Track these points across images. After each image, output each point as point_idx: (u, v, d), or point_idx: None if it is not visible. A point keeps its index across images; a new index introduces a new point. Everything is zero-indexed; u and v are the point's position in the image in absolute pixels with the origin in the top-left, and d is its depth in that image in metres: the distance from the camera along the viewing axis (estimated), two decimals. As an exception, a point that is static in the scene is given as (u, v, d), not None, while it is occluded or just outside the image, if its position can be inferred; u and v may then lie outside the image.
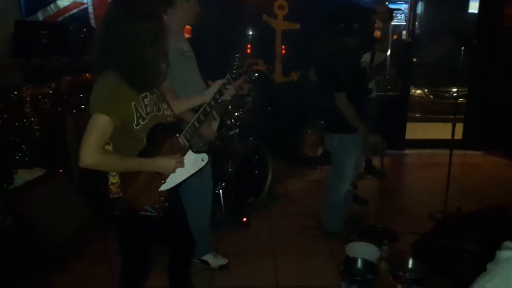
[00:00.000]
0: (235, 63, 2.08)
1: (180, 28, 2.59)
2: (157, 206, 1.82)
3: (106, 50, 1.66)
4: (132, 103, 1.70)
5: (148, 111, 1.78)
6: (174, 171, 1.83)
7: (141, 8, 1.65)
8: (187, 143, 1.92)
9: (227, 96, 2.06)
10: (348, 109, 2.87)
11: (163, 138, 1.84)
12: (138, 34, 1.63)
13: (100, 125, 1.64)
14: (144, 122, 1.75)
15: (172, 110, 1.93)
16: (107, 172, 1.73)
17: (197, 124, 1.97)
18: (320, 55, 3.16)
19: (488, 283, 0.77)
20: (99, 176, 1.73)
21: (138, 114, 1.72)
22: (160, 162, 1.78)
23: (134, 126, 1.72)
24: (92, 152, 1.62)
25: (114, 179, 1.73)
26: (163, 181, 1.84)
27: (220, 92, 2.03)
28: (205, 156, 1.95)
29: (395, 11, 3.10)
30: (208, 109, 2.02)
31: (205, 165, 1.96)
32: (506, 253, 0.80)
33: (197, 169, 1.93)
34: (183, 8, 2.46)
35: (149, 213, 1.80)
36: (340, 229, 3.25)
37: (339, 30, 2.85)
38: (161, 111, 1.87)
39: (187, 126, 1.94)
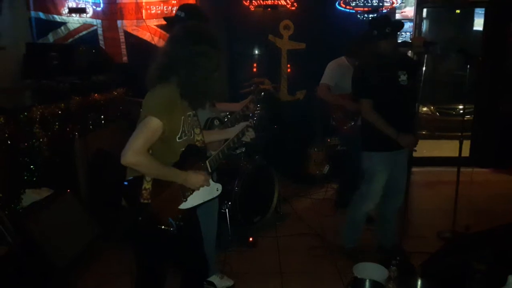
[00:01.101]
0: (257, 110, 2.34)
1: None
2: (176, 222, 1.88)
3: (172, 65, 1.79)
4: (182, 117, 1.85)
5: (189, 129, 1.92)
6: (199, 189, 1.92)
7: (211, 39, 1.84)
8: (210, 170, 2.02)
9: (247, 138, 2.17)
10: (372, 116, 2.88)
11: (193, 159, 1.95)
12: (205, 59, 1.79)
13: (151, 127, 1.74)
14: (185, 138, 1.88)
15: (203, 136, 2.03)
16: (143, 177, 1.79)
17: (221, 155, 2.08)
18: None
19: None
20: (135, 179, 1.80)
21: (183, 129, 1.86)
22: (192, 177, 1.88)
23: (177, 139, 1.84)
24: (137, 151, 1.71)
25: (147, 185, 1.80)
26: (184, 199, 1.91)
27: (242, 133, 2.16)
28: (219, 187, 2.05)
29: (431, 45, 3.10)
30: (231, 145, 2.14)
31: (213, 199, 2.06)
32: None
33: (211, 197, 2.03)
34: None
35: (168, 227, 1.85)
36: (353, 246, 3.20)
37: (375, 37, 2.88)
38: (192, 136, 1.97)
39: (212, 155, 2.05)
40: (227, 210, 3.49)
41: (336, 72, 3.84)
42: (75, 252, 3.03)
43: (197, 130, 2.00)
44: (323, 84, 3.94)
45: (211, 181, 1.99)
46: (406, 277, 2.59)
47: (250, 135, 2.16)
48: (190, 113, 1.93)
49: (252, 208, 3.70)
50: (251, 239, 3.51)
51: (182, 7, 2.63)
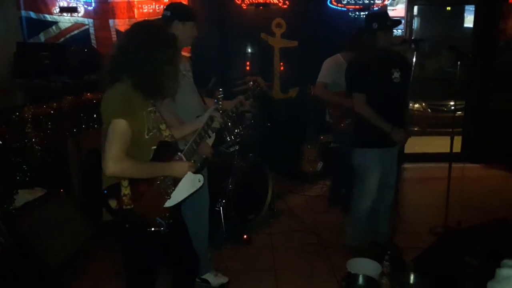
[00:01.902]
0: (220, 96, 2.26)
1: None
2: (165, 221, 1.87)
3: (122, 61, 1.79)
4: (143, 112, 1.81)
5: (154, 125, 1.88)
6: (184, 175, 1.92)
7: (161, 31, 1.85)
8: None
9: (217, 124, 2.19)
10: (365, 109, 2.89)
11: (167, 154, 1.93)
12: (155, 51, 1.77)
13: (119, 130, 1.71)
14: (151, 134, 1.84)
15: (170, 131, 2.00)
16: (119, 183, 1.77)
17: (194, 146, 2.08)
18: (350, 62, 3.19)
19: None
20: (111, 187, 1.77)
21: (148, 124, 1.82)
22: (177, 165, 1.90)
23: (145, 135, 1.80)
24: (117, 160, 1.68)
25: (126, 190, 1.77)
26: (167, 197, 1.90)
27: (211, 119, 2.16)
28: (201, 177, 2.04)
29: (417, 42, 3.14)
30: (203, 133, 2.13)
31: (201, 186, 2.04)
32: (505, 272, 0.81)
33: (194, 189, 2.02)
34: (178, 29, 2.50)
35: (157, 228, 1.84)
36: (358, 244, 3.21)
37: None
38: (160, 132, 1.94)
39: (186, 147, 2.04)
40: (221, 208, 3.50)
41: (332, 70, 3.85)
42: (69, 253, 3.02)
43: (163, 126, 1.96)
44: (319, 82, 3.95)
45: (191, 174, 1.98)
46: (399, 272, 2.62)
47: (218, 120, 2.17)
48: (151, 109, 1.87)
49: (246, 205, 3.71)
50: (245, 236, 3.52)
51: (168, 6, 2.61)
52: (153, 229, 1.84)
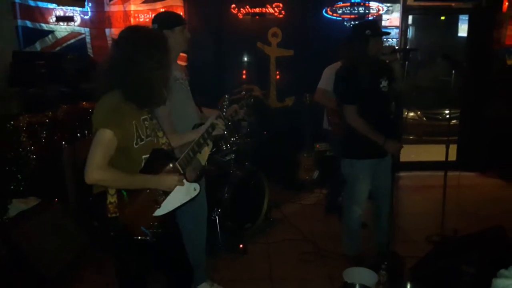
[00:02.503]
0: (225, 103, 2.27)
1: (174, 57, 2.64)
2: (151, 230, 1.84)
3: (112, 70, 1.77)
4: (133, 122, 1.80)
5: (148, 133, 1.87)
6: (173, 189, 1.89)
7: (149, 38, 1.82)
8: (182, 171, 1.98)
9: (220, 130, 2.16)
10: (357, 122, 2.88)
11: (161, 163, 1.90)
12: (144, 58, 1.76)
13: (104, 140, 1.71)
14: (142, 143, 1.83)
15: (167, 139, 1.99)
16: (106, 191, 1.76)
17: (191, 154, 2.05)
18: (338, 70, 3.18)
19: None
20: (98, 195, 1.77)
21: (138, 134, 1.81)
22: (163, 179, 1.86)
23: (134, 145, 1.79)
24: (98, 167, 1.69)
25: (112, 198, 1.76)
26: (158, 206, 1.87)
27: (213, 126, 2.14)
28: (197, 186, 2.03)
29: (409, 52, 3.10)
30: (202, 141, 2.10)
31: (197, 195, 2.03)
32: (501, 282, 0.81)
33: (189, 198, 2.00)
34: (170, 38, 2.51)
35: (144, 237, 1.82)
36: (355, 253, 3.21)
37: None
38: (157, 139, 1.93)
39: (182, 155, 2.01)
40: (217, 217, 3.48)
41: (332, 77, 3.87)
42: (65, 262, 2.99)
43: (160, 134, 1.96)
44: (320, 89, 3.97)
45: (186, 182, 1.96)
46: (396, 282, 2.61)
47: (220, 127, 2.14)
48: (146, 116, 1.88)
49: (242, 214, 3.70)
50: (241, 245, 3.50)
51: (154, 19, 2.60)
52: (139, 237, 1.81)
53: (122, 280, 1.97)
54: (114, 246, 1.89)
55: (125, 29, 1.88)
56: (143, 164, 1.83)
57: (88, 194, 1.82)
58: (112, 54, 1.82)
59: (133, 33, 1.85)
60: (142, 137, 1.83)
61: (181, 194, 1.95)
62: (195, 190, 2.01)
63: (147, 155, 1.85)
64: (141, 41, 1.79)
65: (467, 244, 2.81)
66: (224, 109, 2.24)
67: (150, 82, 1.78)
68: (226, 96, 2.28)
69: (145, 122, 1.86)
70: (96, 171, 1.68)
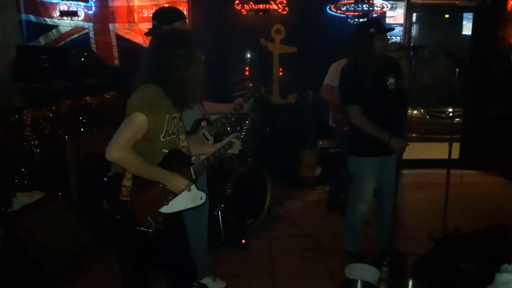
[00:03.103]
0: (247, 122, 2.23)
1: None
2: (156, 224, 1.86)
3: (153, 69, 1.84)
4: (167, 116, 1.86)
5: (174, 131, 1.92)
6: (181, 192, 1.93)
7: (174, 39, 1.90)
8: (194, 177, 2.02)
9: (235, 150, 2.20)
10: (362, 121, 2.88)
11: (176, 164, 1.94)
12: (174, 59, 1.83)
13: (136, 123, 1.75)
14: (169, 138, 1.88)
15: (188, 143, 2.04)
16: (123, 174, 1.79)
17: (206, 164, 2.10)
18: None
19: None
20: (115, 176, 1.81)
21: (167, 128, 1.87)
22: (175, 178, 1.89)
23: (161, 138, 1.85)
24: (122, 146, 1.72)
25: (127, 182, 1.80)
26: (166, 203, 1.91)
27: (229, 144, 2.18)
28: (203, 195, 2.07)
29: (417, 49, 3.12)
30: (218, 155, 2.14)
31: (202, 204, 2.07)
32: (504, 276, 0.82)
33: (194, 205, 2.04)
34: None
35: (146, 229, 1.84)
36: (357, 250, 3.21)
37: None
38: (178, 141, 1.98)
39: (198, 162, 2.07)
40: (219, 212, 3.49)
41: (338, 73, 3.86)
42: (68, 256, 3.01)
43: (182, 137, 2.01)
44: (325, 85, 3.96)
45: (195, 189, 2.00)
46: (397, 278, 2.62)
47: (236, 147, 2.18)
48: (176, 115, 1.95)
49: (244, 210, 3.71)
50: (243, 241, 3.52)
51: (154, 15, 2.61)
52: (142, 228, 1.84)
53: (124, 272, 1.99)
54: (116, 233, 1.92)
55: (159, 34, 2.05)
56: (161, 158, 1.87)
57: (101, 176, 1.86)
58: (150, 56, 1.89)
59: (166, 38, 1.94)
60: (170, 132, 1.89)
61: (188, 199, 1.98)
62: (201, 199, 2.05)
63: (167, 151, 1.89)
64: (174, 44, 1.86)
65: (469, 242, 2.82)
66: (243, 131, 2.29)
67: (190, 84, 1.87)
68: (247, 121, 2.36)
69: (174, 120, 1.92)
70: (119, 149, 1.71)
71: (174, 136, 1.93)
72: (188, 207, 2.01)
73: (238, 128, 2.29)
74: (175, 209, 1.96)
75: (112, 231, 1.92)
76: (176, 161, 1.94)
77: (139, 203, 1.83)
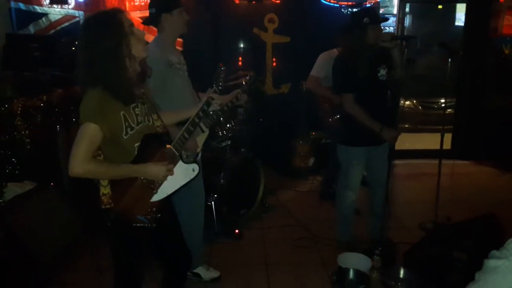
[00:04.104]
0: (221, 75, 2.16)
1: (171, 41, 2.62)
2: (149, 216, 1.83)
3: (87, 68, 1.71)
4: (121, 113, 1.74)
5: (139, 120, 1.82)
6: (164, 179, 1.86)
7: (99, 29, 1.71)
8: (177, 153, 1.95)
9: (215, 106, 2.10)
10: (355, 110, 2.89)
11: (154, 148, 1.87)
12: (100, 52, 1.68)
13: (88, 134, 1.68)
14: (133, 131, 1.78)
15: (162, 121, 1.96)
16: (98, 183, 1.75)
17: (186, 135, 2.01)
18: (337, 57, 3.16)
19: None
20: (90, 187, 1.76)
21: (127, 124, 1.76)
22: (150, 168, 1.80)
23: (123, 136, 1.75)
24: (81, 161, 1.66)
25: (105, 190, 1.75)
26: (154, 191, 1.86)
27: (207, 103, 2.08)
28: (195, 167, 1.98)
29: (410, 39, 3.07)
30: (197, 120, 2.06)
31: (196, 175, 2.00)
32: (493, 262, 0.82)
33: (188, 179, 1.97)
34: (168, 22, 2.49)
35: (141, 224, 1.81)
36: (348, 239, 3.24)
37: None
38: (151, 122, 1.90)
39: (177, 137, 1.98)
40: (213, 202, 3.49)
41: (326, 65, 3.84)
42: (60, 247, 3.00)
43: (155, 116, 1.92)
44: (312, 76, 3.96)
45: (183, 164, 1.93)
46: (389, 267, 2.65)
47: (216, 102, 2.08)
48: (135, 104, 1.81)
49: (238, 200, 3.71)
50: (237, 231, 3.53)
51: (152, 3, 2.55)
52: (138, 224, 1.81)
53: (119, 268, 1.96)
54: (111, 234, 1.89)
55: (83, 24, 1.83)
56: (136, 152, 1.80)
57: (81, 184, 1.79)
58: (80, 53, 1.74)
59: (87, 24, 1.78)
60: (133, 125, 1.78)
61: (179, 176, 1.92)
62: (193, 171, 1.97)
63: (138, 143, 1.80)
64: (104, 31, 1.70)
65: (460, 231, 2.85)
66: (220, 84, 2.13)
67: (119, 76, 1.70)
68: (222, 68, 2.16)
69: (136, 109, 1.81)
70: (79, 164, 1.66)
71: (142, 123, 1.83)
72: (183, 183, 1.94)
73: (214, 81, 2.16)
74: (169, 191, 1.90)
75: (107, 233, 1.88)
76: (152, 146, 1.86)
77: (125, 204, 1.77)
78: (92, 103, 1.70)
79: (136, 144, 1.80)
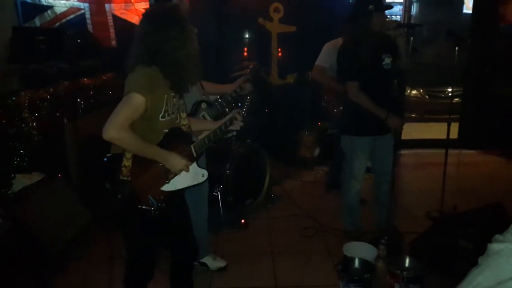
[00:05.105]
0: (247, 103, 2.38)
1: None
2: (157, 202, 1.88)
3: (148, 53, 1.81)
4: (165, 96, 1.85)
5: (174, 110, 1.92)
6: (179, 172, 1.93)
7: (164, 19, 1.83)
8: (195, 155, 2.02)
9: (236, 127, 2.16)
10: (360, 97, 2.87)
11: (177, 142, 1.95)
12: (167, 41, 1.79)
13: (133, 103, 1.75)
14: (168, 118, 1.88)
15: (189, 121, 2.04)
16: (123, 153, 1.80)
17: (207, 141, 2.08)
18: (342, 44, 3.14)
19: (479, 275, 0.80)
20: (115, 156, 1.82)
21: (166, 108, 1.86)
22: (173, 158, 1.89)
23: (160, 118, 1.85)
24: (118, 126, 1.72)
25: (127, 162, 1.81)
26: (167, 181, 1.92)
27: (231, 121, 2.14)
28: (205, 173, 2.08)
29: (414, 27, 3.06)
30: (218, 132, 2.11)
31: (203, 182, 2.08)
32: (496, 246, 0.83)
33: (195, 182, 2.05)
34: None
35: (148, 207, 1.86)
36: (354, 229, 3.24)
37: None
38: (178, 119, 1.98)
39: (198, 140, 2.06)
40: (219, 193, 3.51)
41: (331, 54, 3.80)
42: (68, 237, 3.03)
43: (183, 115, 2.01)
44: (317, 66, 3.94)
45: (196, 167, 2.01)
46: (395, 256, 2.66)
47: (238, 123, 2.15)
48: (176, 94, 1.94)
49: (244, 190, 3.73)
50: (243, 221, 3.55)
51: None
52: (144, 207, 1.85)
53: (130, 253, 2.01)
54: (118, 212, 1.94)
55: (149, 11, 1.97)
56: (161, 137, 1.88)
57: (101, 157, 1.86)
58: (142, 35, 1.83)
59: (163, 13, 1.87)
60: (169, 112, 1.88)
61: (189, 177, 1.99)
62: (203, 176, 2.06)
63: (167, 130, 1.89)
64: (172, 21, 1.82)
65: (466, 221, 2.85)
66: (244, 109, 2.25)
67: (185, 63, 1.83)
68: (249, 98, 2.31)
69: (174, 99, 1.91)
70: (116, 129, 1.71)
71: (174, 115, 1.93)
72: (190, 184, 2.02)
73: (240, 105, 2.25)
74: (177, 186, 1.97)
75: (115, 210, 1.94)
76: (176, 139, 1.94)
77: (139, 182, 1.84)
78: (144, 78, 1.79)
79: (165, 130, 1.88)
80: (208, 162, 2.78)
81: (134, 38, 1.86)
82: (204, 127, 2.23)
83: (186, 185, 2.00)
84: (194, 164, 2.02)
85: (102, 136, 1.72)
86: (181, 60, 1.82)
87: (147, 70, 1.80)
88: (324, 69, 3.89)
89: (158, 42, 1.79)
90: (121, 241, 2.08)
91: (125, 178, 1.80)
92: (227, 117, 2.18)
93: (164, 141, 1.88)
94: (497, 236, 0.85)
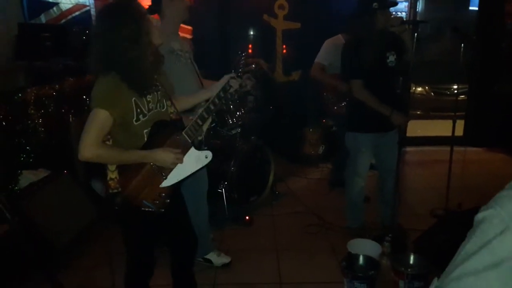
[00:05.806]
0: (241, 62, 2.14)
1: (174, 28, 2.60)
2: (157, 202, 1.86)
3: (102, 56, 1.73)
4: (133, 99, 1.77)
5: (151, 107, 1.83)
6: (173, 166, 1.87)
7: (115, 18, 1.72)
8: (189, 141, 1.96)
9: (236, 85, 2.08)
10: (364, 95, 2.87)
11: (165, 135, 1.89)
12: (117, 42, 1.69)
13: (98, 119, 1.70)
14: (145, 118, 1.80)
15: (175, 108, 1.98)
16: (105, 168, 1.78)
17: (199, 122, 2.01)
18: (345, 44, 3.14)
19: (466, 245, 0.81)
20: (98, 172, 1.81)
21: (139, 110, 1.78)
22: (158, 155, 1.82)
23: (134, 122, 1.78)
24: (90, 145, 1.69)
25: (112, 175, 1.78)
26: (164, 177, 1.88)
27: (224, 89, 2.06)
28: (208, 154, 1.99)
29: (419, 24, 3.02)
30: (212, 107, 2.05)
31: (209, 162, 2.00)
32: (480, 215, 0.84)
33: (200, 166, 1.98)
34: (169, 8, 2.48)
35: (149, 209, 1.84)
36: (358, 226, 3.25)
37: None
38: (165, 108, 1.92)
39: (190, 124, 1.98)
40: (223, 189, 3.52)
41: (330, 51, 3.81)
42: (74, 233, 3.06)
43: (168, 102, 1.94)
44: (316, 63, 3.93)
45: (195, 151, 1.94)
46: (400, 253, 2.66)
47: (234, 86, 2.07)
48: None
49: (248, 187, 3.74)
50: (247, 217, 3.56)
51: None
52: (146, 209, 1.84)
53: (130, 250, 2.00)
54: (119, 217, 1.93)
55: (99, 12, 1.84)
56: (145, 138, 1.82)
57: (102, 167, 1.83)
58: (97, 40, 1.74)
59: (104, 11, 1.78)
60: (145, 112, 1.80)
61: (191, 162, 1.93)
62: (206, 157, 1.98)
63: (148, 130, 1.82)
64: (123, 19, 1.70)
65: (471, 218, 2.83)
66: (240, 70, 2.11)
67: (140, 63, 1.72)
68: (243, 54, 2.14)
69: (148, 96, 1.83)
70: (88, 148, 1.68)
71: (154, 110, 1.84)
72: (195, 169, 1.95)
73: (233, 71, 2.14)
74: (181, 177, 1.91)
75: (117, 217, 1.93)
76: (165, 132, 1.87)
77: (133, 188, 1.80)
78: (103, 90, 1.73)
79: (146, 131, 1.82)
80: (212, 159, 2.77)
81: (90, 40, 1.79)
82: (199, 99, 2.14)
83: (190, 172, 1.94)
84: (192, 149, 1.94)
85: (79, 159, 1.69)
86: (136, 62, 1.71)
87: (106, 79, 1.72)
88: (324, 66, 3.88)
89: (110, 45, 1.70)
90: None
91: (114, 190, 1.77)
92: (221, 80, 2.06)
93: (149, 140, 1.82)
94: (482, 207, 0.85)
